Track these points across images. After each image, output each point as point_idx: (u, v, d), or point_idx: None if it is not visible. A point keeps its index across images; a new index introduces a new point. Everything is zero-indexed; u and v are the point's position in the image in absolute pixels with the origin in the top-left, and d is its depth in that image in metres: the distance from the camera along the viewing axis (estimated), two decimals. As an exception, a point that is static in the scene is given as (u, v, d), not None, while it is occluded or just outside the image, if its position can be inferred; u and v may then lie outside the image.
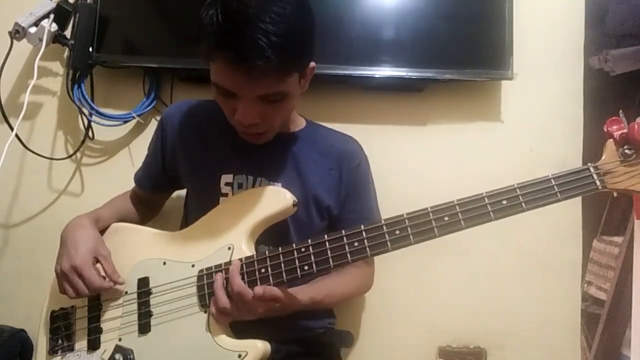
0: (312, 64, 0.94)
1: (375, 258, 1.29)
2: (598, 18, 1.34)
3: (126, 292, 0.96)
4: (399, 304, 1.33)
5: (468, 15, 1.29)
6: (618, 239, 1.26)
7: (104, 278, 0.94)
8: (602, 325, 1.25)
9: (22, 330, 1.28)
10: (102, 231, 1.05)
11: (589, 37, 1.35)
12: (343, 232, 0.85)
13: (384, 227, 0.84)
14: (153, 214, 1.24)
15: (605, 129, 0.81)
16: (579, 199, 1.33)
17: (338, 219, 1.07)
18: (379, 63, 1.26)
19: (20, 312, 1.31)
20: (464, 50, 1.28)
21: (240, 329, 0.89)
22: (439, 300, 1.32)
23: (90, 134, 1.36)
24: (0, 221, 1.39)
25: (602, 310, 1.27)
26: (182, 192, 1.20)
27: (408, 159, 1.35)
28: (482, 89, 1.36)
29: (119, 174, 1.35)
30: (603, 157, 0.81)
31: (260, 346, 0.85)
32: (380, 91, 1.36)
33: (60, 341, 0.98)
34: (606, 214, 1.34)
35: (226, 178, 1.02)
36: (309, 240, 0.87)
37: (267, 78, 0.82)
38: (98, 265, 0.96)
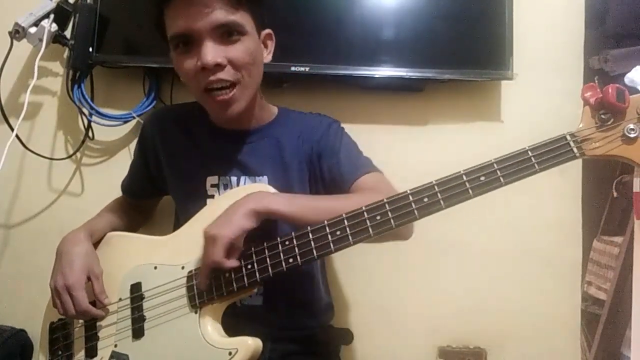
0: (268, 30, 1.01)
1: (375, 258, 1.30)
2: (598, 18, 1.34)
3: (120, 299, 0.96)
4: (399, 303, 1.33)
5: (468, 15, 1.28)
6: (618, 239, 1.26)
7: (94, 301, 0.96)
8: (602, 325, 1.25)
9: (22, 330, 1.29)
10: (98, 242, 1.06)
11: (589, 37, 1.35)
12: (325, 222, 0.84)
13: (365, 213, 0.83)
14: (145, 218, 1.25)
15: (581, 96, 0.79)
16: (579, 198, 1.33)
17: (328, 181, 1.03)
18: (379, 63, 1.26)
19: (20, 312, 1.31)
20: (464, 50, 1.28)
21: (234, 328, 0.89)
22: (439, 300, 1.32)
23: (90, 134, 1.36)
24: (0, 221, 1.39)
25: (602, 310, 1.27)
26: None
27: (408, 158, 1.35)
28: (482, 89, 1.35)
29: (119, 174, 1.35)
30: (580, 125, 0.79)
31: (251, 343, 0.85)
32: (380, 91, 1.36)
33: (59, 352, 0.99)
34: (606, 214, 1.34)
35: (211, 180, 1.03)
36: (292, 233, 0.86)
37: (219, 5, 0.88)
38: (89, 283, 0.97)
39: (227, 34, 0.90)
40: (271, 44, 1.02)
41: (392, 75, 1.26)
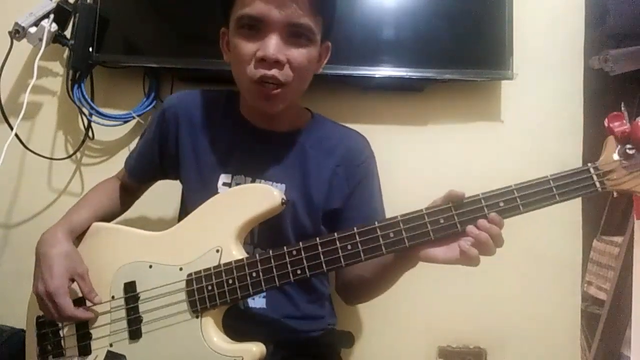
0: (329, 43, 1.00)
1: (375, 258, 1.30)
2: (598, 18, 1.33)
3: (113, 297, 0.93)
4: (399, 304, 1.33)
5: (468, 15, 1.29)
6: (618, 239, 1.25)
7: (83, 300, 0.93)
8: (602, 325, 1.25)
9: (22, 330, 1.28)
10: (82, 235, 1.01)
11: (589, 37, 1.35)
12: (335, 234, 0.82)
13: (378, 229, 0.81)
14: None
15: (606, 124, 0.76)
16: (579, 198, 1.33)
17: (341, 218, 1.04)
18: (379, 63, 1.26)
19: (20, 312, 1.29)
20: (464, 50, 1.28)
21: (236, 332, 0.88)
22: (439, 300, 1.33)
23: (90, 134, 1.36)
24: (0, 221, 1.39)
25: (602, 310, 1.26)
26: (179, 192, 1.17)
27: (408, 158, 1.35)
28: (482, 89, 1.36)
29: (119, 174, 1.35)
30: (603, 156, 0.76)
31: (256, 349, 0.83)
32: (380, 91, 1.36)
33: (49, 347, 0.96)
34: (606, 214, 1.34)
35: (224, 178, 1.00)
36: (300, 244, 0.83)
37: (303, 6, 0.87)
38: (75, 285, 0.93)
39: (297, 35, 0.89)
40: (325, 57, 1.02)
41: (392, 75, 1.26)
